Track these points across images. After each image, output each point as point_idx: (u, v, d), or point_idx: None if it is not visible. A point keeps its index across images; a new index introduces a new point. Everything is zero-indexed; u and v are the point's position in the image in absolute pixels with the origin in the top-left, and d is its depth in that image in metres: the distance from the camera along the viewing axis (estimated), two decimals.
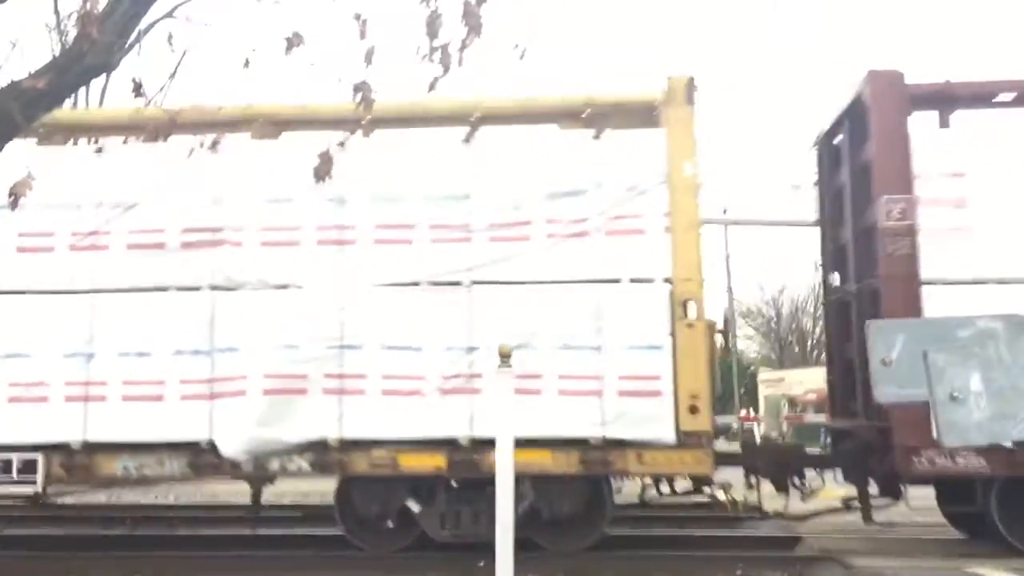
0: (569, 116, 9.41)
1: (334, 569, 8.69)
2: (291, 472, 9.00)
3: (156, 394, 8.90)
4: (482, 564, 7.92)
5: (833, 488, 10.01)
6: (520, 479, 8.59)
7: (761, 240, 66.12)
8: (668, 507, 12.76)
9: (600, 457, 8.75)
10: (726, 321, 13.72)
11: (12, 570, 8.76)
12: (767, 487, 9.96)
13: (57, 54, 5.73)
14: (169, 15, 5.68)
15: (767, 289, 48.81)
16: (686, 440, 8.68)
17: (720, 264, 32.40)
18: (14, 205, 5.45)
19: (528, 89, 10.18)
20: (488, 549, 6.59)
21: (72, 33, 5.44)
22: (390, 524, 9.17)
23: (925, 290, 8.98)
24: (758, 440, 13.97)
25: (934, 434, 3.58)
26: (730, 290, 33.46)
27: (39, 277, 9.23)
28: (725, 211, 26.94)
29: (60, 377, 8.98)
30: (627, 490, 15.59)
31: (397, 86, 5.84)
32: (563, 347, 8.75)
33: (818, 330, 42.26)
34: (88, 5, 5.09)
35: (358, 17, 5.54)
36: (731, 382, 28.50)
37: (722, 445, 11.51)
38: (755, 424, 24.51)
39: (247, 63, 5.83)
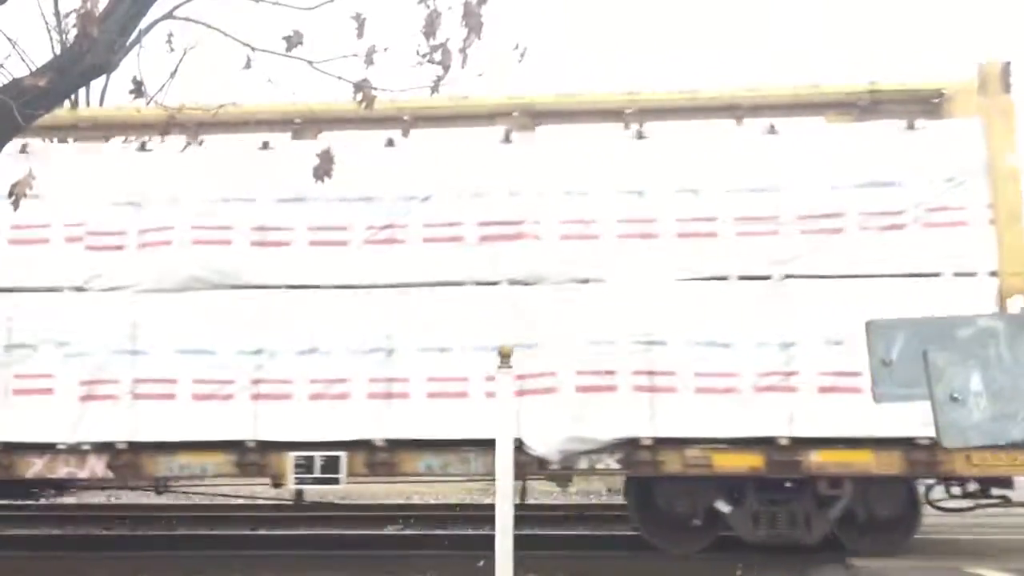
0: (840, 106, 9.30)
1: (334, 569, 8.70)
2: (598, 471, 8.86)
3: (460, 391, 8.67)
4: (481, 564, 7.92)
5: None
6: (840, 480, 8.59)
7: None
8: None
9: (926, 458, 8.40)
10: None
11: (12, 570, 8.76)
12: None
13: (58, 53, 5.71)
14: (169, 15, 5.66)
15: None
16: None
17: None
18: (15, 206, 5.44)
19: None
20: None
21: (72, 32, 5.44)
22: (696, 523, 8.99)
23: None
24: None
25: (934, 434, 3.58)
26: None
27: (333, 271, 8.95)
28: None
29: (361, 374, 8.74)
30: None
31: (401, 85, 5.80)
32: None
33: None
34: (88, 4, 5.08)
35: (357, 16, 5.54)
36: None
37: None
38: None
39: (248, 63, 5.81)
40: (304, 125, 9.37)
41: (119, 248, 9.01)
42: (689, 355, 8.62)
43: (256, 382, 8.72)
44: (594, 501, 14.20)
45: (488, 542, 6.60)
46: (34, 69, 5.48)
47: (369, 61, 5.62)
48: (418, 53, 5.58)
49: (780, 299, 8.68)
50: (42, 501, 15.15)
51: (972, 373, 3.12)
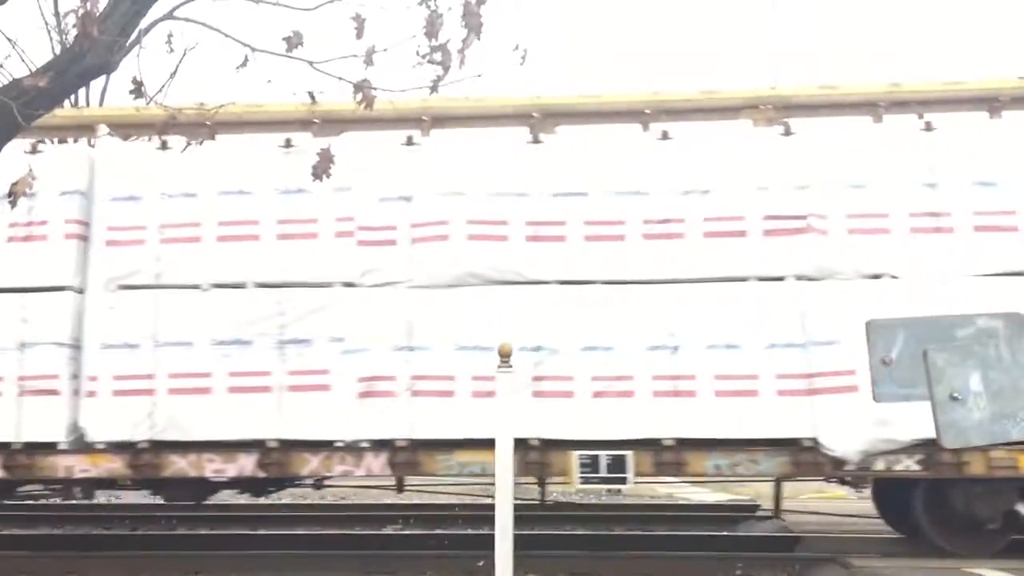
0: None
1: (333, 569, 8.69)
2: (895, 472, 8.45)
3: (750, 389, 8.43)
4: (481, 564, 7.92)
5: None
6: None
7: None
8: (668, 507, 12.82)
9: None
10: None
11: (12, 570, 8.76)
12: None
13: (57, 53, 5.71)
14: (169, 16, 5.66)
15: None
16: None
17: None
18: (13, 204, 5.44)
19: None
20: None
21: (72, 33, 5.44)
22: (993, 527, 8.69)
23: None
24: None
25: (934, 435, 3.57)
26: None
27: (610, 266, 8.71)
28: None
29: (646, 371, 8.50)
30: (626, 489, 15.61)
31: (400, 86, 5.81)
32: None
33: None
34: (88, 5, 5.09)
35: (357, 17, 5.54)
36: None
37: None
38: None
39: (245, 62, 5.82)
40: (543, 120, 9.31)
41: (391, 243, 8.87)
42: None
43: (537, 379, 8.50)
44: (594, 501, 14.19)
45: (488, 542, 6.60)
46: (34, 69, 5.48)
47: (369, 61, 5.63)
48: (418, 53, 5.59)
49: None
50: (41, 501, 15.15)
51: (972, 373, 3.12)
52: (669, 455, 8.51)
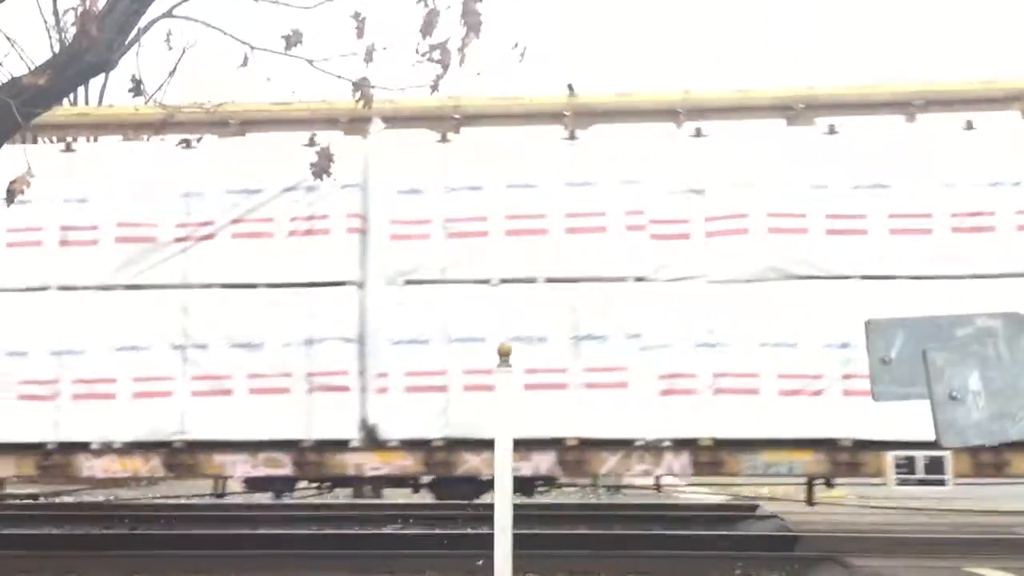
0: None
1: (333, 568, 8.69)
2: None
3: None
4: (481, 563, 7.92)
5: None
6: None
7: None
8: (667, 507, 12.82)
9: None
10: None
11: (11, 569, 8.75)
12: None
13: (57, 52, 5.71)
14: (168, 14, 5.66)
15: None
16: None
17: None
18: (9, 201, 5.44)
19: None
20: None
21: (71, 31, 5.44)
22: None
23: None
24: None
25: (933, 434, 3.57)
26: None
27: (913, 261, 8.48)
28: None
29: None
30: (626, 489, 15.64)
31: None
32: None
33: None
34: (87, 3, 5.09)
35: (357, 15, 5.54)
36: None
37: None
38: None
39: (245, 61, 5.81)
40: (805, 111, 9.18)
41: (684, 237, 8.69)
42: None
43: (847, 377, 8.24)
44: (593, 501, 14.21)
45: (487, 541, 6.59)
46: (33, 68, 5.48)
47: (369, 59, 5.63)
48: (417, 52, 5.58)
49: None
50: (41, 500, 15.15)
51: (971, 372, 3.11)
52: (987, 456, 8.22)
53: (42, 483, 9.46)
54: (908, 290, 8.36)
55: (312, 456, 8.56)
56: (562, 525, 11.29)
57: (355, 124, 9.12)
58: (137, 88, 6.12)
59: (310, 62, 5.69)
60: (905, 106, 9.14)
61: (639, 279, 8.60)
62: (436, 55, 5.56)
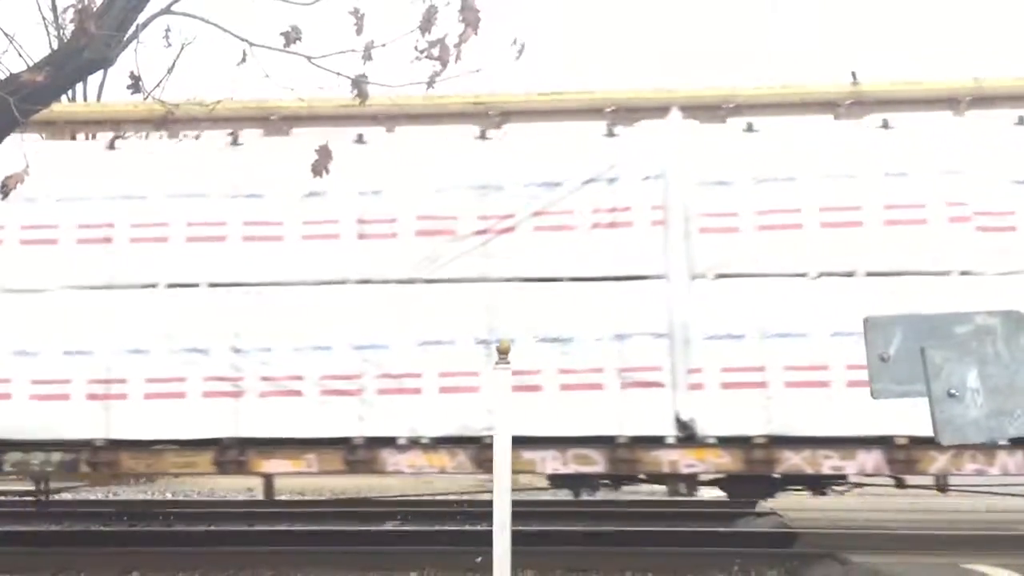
0: None
1: (331, 565, 8.70)
2: None
3: None
4: (479, 560, 7.93)
5: None
6: None
7: None
8: (666, 503, 12.83)
9: None
10: None
11: (9, 565, 8.75)
12: None
13: (55, 48, 5.71)
14: (167, 11, 5.66)
15: None
16: None
17: None
18: (5, 195, 5.44)
19: None
20: None
21: (69, 28, 5.44)
22: None
23: None
24: None
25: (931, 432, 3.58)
26: None
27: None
28: None
29: None
30: (625, 485, 15.62)
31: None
32: None
33: None
34: (86, 0, 5.08)
35: (355, 12, 5.54)
36: None
37: None
38: None
39: (244, 58, 5.81)
40: None
41: (1011, 229, 8.45)
42: None
43: None
44: (592, 497, 14.20)
45: (486, 538, 6.60)
46: (31, 64, 5.47)
47: (367, 57, 5.62)
48: (416, 48, 5.58)
49: None
50: (40, 498, 15.13)
51: (969, 369, 3.12)
52: None
53: (349, 476, 9.31)
54: None
55: (624, 453, 8.38)
56: (559, 521, 11.31)
57: (653, 114, 9.04)
58: (136, 85, 6.11)
59: (309, 59, 5.69)
60: None
61: (964, 273, 8.40)
62: (435, 52, 5.56)
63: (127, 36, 5.54)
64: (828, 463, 8.30)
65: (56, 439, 8.53)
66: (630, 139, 8.84)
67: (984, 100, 9.01)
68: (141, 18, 5.57)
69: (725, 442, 8.36)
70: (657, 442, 8.38)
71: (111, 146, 9.08)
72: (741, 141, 8.80)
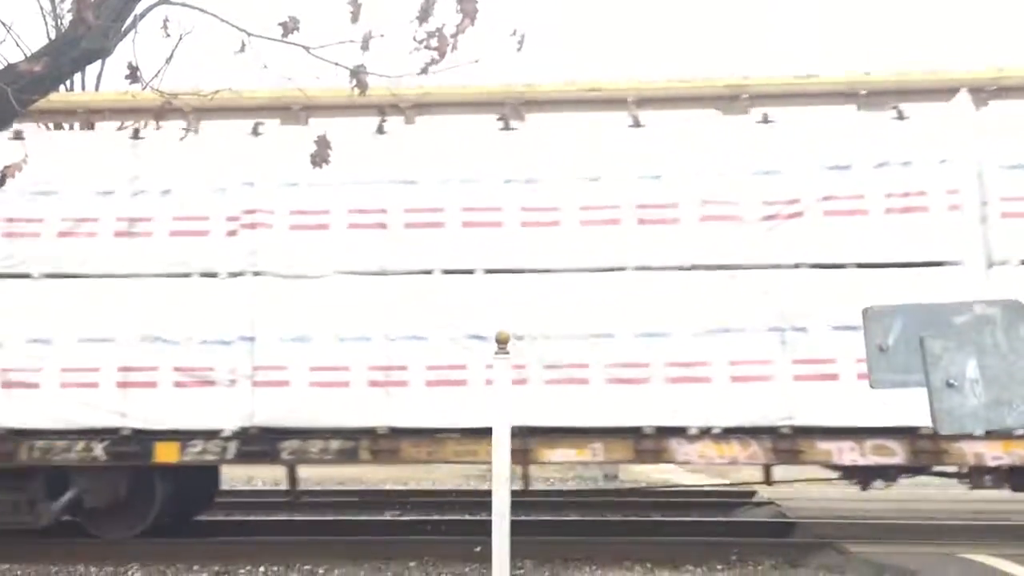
0: None
1: (331, 555, 8.70)
2: None
3: None
4: (479, 549, 7.94)
5: None
6: None
7: None
8: (665, 493, 12.86)
9: None
10: None
11: (14, 555, 8.76)
12: None
13: (53, 38, 5.69)
14: (164, 0, 5.64)
15: None
16: None
17: None
18: (1, 183, 5.44)
19: None
20: None
21: (67, 17, 5.43)
22: None
23: None
24: None
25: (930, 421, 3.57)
26: None
27: None
28: None
29: None
30: (623, 475, 15.68)
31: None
32: None
33: None
34: None
35: (353, 1, 5.52)
36: None
37: None
38: None
39: (242, 47, 5.79)
40: None
41: None
42: None
43: None
44: (590, 487, 14.25)
45: (485, 528, 6.61)
46: (29, 54, 5.46)
47: (365, 47, 5.61)
48: (414, 39, 5.57)
49: None
50: None
51: (968, 359, 3.12)
52: None
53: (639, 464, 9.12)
54: None
55: (926, 444, 8.14)
56: (558, 511, 11.34)
57: (939, 96, 8.90)
58: (134, 75, 6.08)
59: (307, 49, 5.67)
60: None
61: None
62: (433, 42, 5.54)
63: (125, 26, 5.52)
64: None
65: (334, 427, 8.52)
66: (922, 122, 8.64)
67: None
68: (139, 8, 5.55)
69: None
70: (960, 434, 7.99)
71: (380, 130, 8.94)
72: None
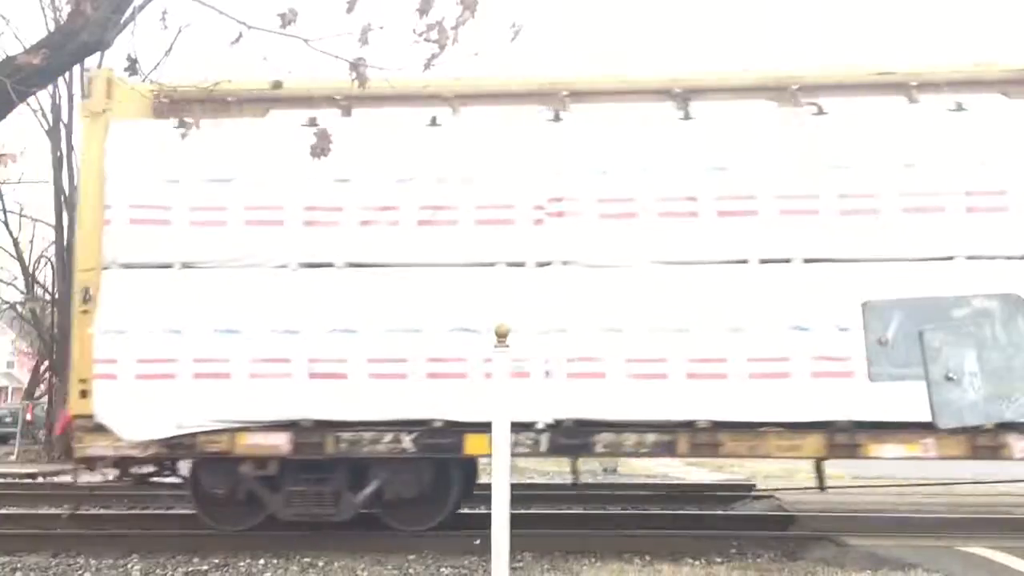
0: None
1: (330, 547, 8.71)
2: None
3: None
4: (478, 542, 7.95)
5: None
6: None
7: None
8: (664, 486, 12.88)
9: None
10: None
11: (10, 548, 8.78)
12: None
13: (52, 31, 5.69)
14: None
15: None
16: None
17: None
18: None
19: None
20: None
21: (66, 10, 5.42)
22: None
23: None
24: None
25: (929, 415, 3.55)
26: None
27: None
28: None
29: None
30: (622, 468, 15.70)
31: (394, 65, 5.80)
32: None
33: None
34: None
35: None
36: None
37: None
38: None
39: (239, 38, 5.78)
40: None
41: None
42: None
43: None
44: (589, 481, 14.25)
45: (484, 521, 6.61)
46: (28, 47, 5.45)
47: (364, 40, 5.60)
48: (414, 32, 5.57)
49: None
50: (39, 480, 15.17)
51: (967, 353, 3.12)
52: None
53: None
54: None
55: None
56: (558, 504, 11.35)
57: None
58: (133, 67, 6.08)
59: (306, 41, 5.66)
60: None
61: None
62: (433, 35, 5.54)
63: (124, 18, 5.51)
64: None
65: (650, 420, 8.31)
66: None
67: None
68: (137, 1, 5.54)
69: None
70: None
71: (687, 116, 8.75)
72: None
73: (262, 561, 8.35)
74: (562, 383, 8.32)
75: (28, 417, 26.03)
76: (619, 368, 8.28)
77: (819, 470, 9.34)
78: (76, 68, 19.19)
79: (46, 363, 28.57)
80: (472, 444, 8.38)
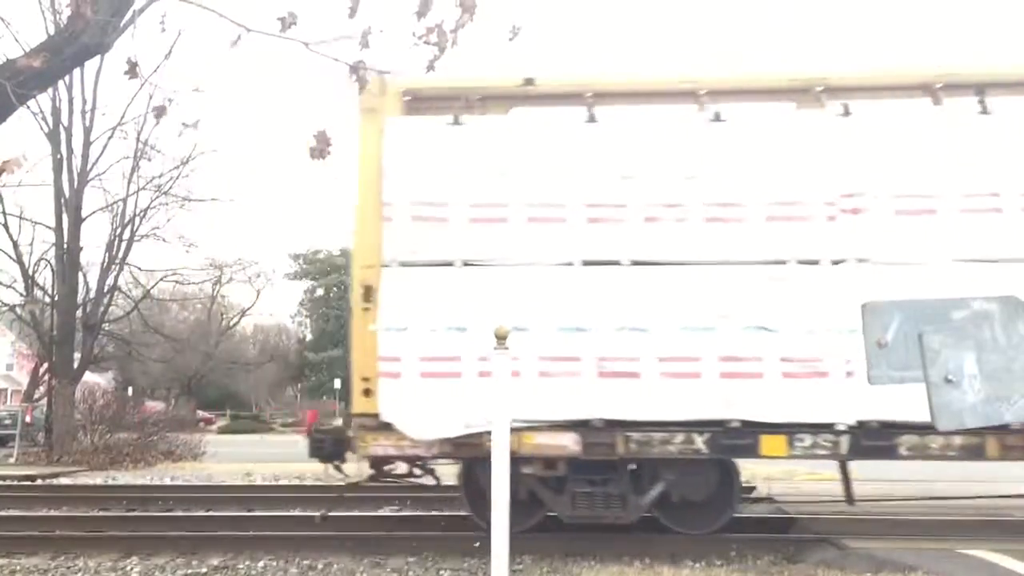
0: None
1: (330, 549, 8.71)
2: None
3: None
4: (478, 544, 7.95)
5: None
6: None
7: None
8: None
9: None
10: None
11: (7, 551, 8.77)
12: None
13: (52, 34, 5.70)
14: None
15: None
16: None
17: None
18: None
19: None
20: None
21: (66, 13, 5.43)
22: None
23: None
24: None
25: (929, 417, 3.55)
26: None
27: None
28: None
29: None
30: None
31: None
32: None
33: None
34: None
35: None
36: None
37: None
38: None
39: (238, 40, 5.79)
40: None
41: None
42: None
43: None
44: None
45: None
46: (28, 50, 5.46)
47: (364, 44, 5.61)
48: (414, 35, 5.57)
49: None
50: (38, 482, 15.17)
51: (967, 355, 3.12)
52: None
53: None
54: None
55: None
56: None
57: None
58: (132, 70, 6.08)
59: (306, 44, 5.67)
60: None
61: None
62: (433, 37, 5.55)
63: (124, 22, 5.52)
64: None
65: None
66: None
67: None
68: (137, 3, 5.55)
69: None
70: None
71: (985, 110, 8.57)
72: None
73: (261, 563, 8.35)
74: (860, 383, 7.68)
75: (27, 419, 26.03)
76: None
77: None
78: (76, 71, 19.24)
79: (45, 365, 28.55)
80: (768, 445, 8.27)
